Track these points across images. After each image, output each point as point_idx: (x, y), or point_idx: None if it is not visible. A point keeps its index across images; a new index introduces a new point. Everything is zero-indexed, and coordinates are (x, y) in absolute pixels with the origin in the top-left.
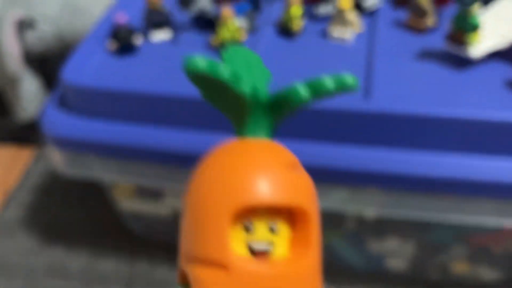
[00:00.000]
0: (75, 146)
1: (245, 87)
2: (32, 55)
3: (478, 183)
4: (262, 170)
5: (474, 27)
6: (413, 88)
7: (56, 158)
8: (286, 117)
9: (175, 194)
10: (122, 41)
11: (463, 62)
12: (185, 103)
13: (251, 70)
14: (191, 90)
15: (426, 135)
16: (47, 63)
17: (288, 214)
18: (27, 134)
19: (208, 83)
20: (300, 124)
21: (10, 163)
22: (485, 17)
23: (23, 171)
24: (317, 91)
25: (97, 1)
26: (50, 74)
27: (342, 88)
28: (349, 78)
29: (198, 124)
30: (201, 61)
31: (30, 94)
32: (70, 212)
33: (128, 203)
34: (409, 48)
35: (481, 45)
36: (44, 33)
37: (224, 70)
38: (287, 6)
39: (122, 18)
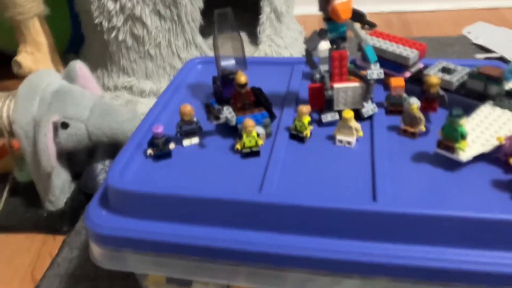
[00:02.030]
0: (114, 242)
1: None
2: (64, 151)
3: (473, 274)
4: None
5: (462, 136)
6: (412, 189)
7: (96, 252)
8: None
9: (202, 283)
10: (158, 149)
11: (453, 163)
12: (210, 204)
13: None
14: (216, 191)
15: (427, 231)
16: (75, 157)
17: None
18: (56, 224)
19: None
20: (318, 223)
21: (40, 251)
22: (471, 125)
23: (51, 258)
24: None
25: (121, 106)
26: (77, 167)
27: None
28: None
29: (222, 221)
30: None
31: (58, 188)
32: None
33: None
34: (405, 152)
35: (469, 150)
36: (77, 132)
37: None
38: (298, 115)
39: (158, 128)
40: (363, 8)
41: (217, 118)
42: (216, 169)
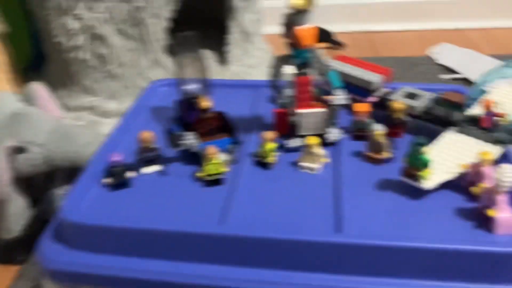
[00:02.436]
0: (69, 279)
1: None
2: (21, 176)
3: None
4: None
5: (425, 164)
6: (376, 219)
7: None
8: None
9: None
10: (116, 178)
11: (418, 191)
12: (169, 237)
13: None
14: (175, 224)
15: (391, 263)
16: (32, 182)
17: None
18: (11, 254)
19: None
20: (280, 255)
21: None
22: (435, 152)
23: None
24: None
25: (81, 129)
26: (35, 192)
27: None
28: None
29: (182, 255)
30: None
31: (14, 215)
32: None
33: None
34: (369, 179)
35: (432, 178)
36: (33, 157)
37: None
38: (262, 141)
39: (116, 156)
40: (331, 28)
41: (177, 145)
42: (176, 198)
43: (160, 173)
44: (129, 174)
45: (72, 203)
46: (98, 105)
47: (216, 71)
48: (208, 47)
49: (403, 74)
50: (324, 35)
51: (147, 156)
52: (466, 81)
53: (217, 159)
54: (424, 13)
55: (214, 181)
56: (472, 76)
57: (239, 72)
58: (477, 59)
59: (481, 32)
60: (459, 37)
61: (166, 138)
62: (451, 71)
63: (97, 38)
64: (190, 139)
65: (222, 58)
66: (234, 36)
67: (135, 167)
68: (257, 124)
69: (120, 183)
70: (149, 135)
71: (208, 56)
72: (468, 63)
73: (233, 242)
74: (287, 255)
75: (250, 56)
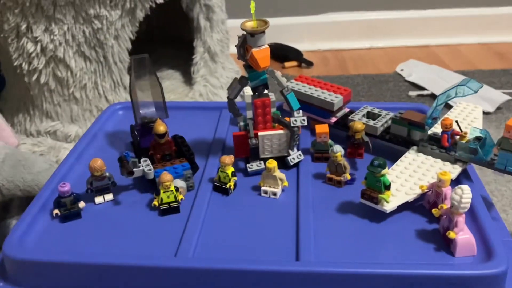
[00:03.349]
0: None
1: None
2: None
3: None
4: None
5: (385, 187)
6: (336, 245)
7: None
8: None
9: None
10: (66, 209)
11: (378, 213)
12: (122, 271)
13: None
14: (127, 257)
15: None
16: None
17: None
18: None
19: None
20: (238, 286)
21: None
22: (395, 173)
23: None
24: None
25: (36, 156)
26: None
27: None
28: None
29: None
30: None
31: None
32: None
33: None
34: (330, 202)
35: (393, 200)
36: None
37: None
38: (221, 166)
39: (65, 187)
40: (300, 47)
41: (131, 173)
42: (130, 229)
43: (113, 202)
44: (80, 204)
45: (16, 237)
46: (59, 129)
47: (182, 92)
48: (174, 67)
49: (372, 92)
50: (294, 54)
51: (99, 185)
52: (433, 97)
53: (173, 186)
54: (391, 31)
55: (170, 210)
56: (439, 92)
57: (205, 92)
58: (443, 75)
59: (447, 49)
60: (426, 53)
61: (119, 166)
62: (419, 87)
63: (57, 61)
64: (146, 165)
65: (189, 79)
66: (199, 56)
67: (87, 196)
68: (218, 148)
69: (70, 214)
70: (100, 163)
71: (174, 76)
72: (435, 79)
73: (188, 274)
74: (242, 285)
75: (217, 76)
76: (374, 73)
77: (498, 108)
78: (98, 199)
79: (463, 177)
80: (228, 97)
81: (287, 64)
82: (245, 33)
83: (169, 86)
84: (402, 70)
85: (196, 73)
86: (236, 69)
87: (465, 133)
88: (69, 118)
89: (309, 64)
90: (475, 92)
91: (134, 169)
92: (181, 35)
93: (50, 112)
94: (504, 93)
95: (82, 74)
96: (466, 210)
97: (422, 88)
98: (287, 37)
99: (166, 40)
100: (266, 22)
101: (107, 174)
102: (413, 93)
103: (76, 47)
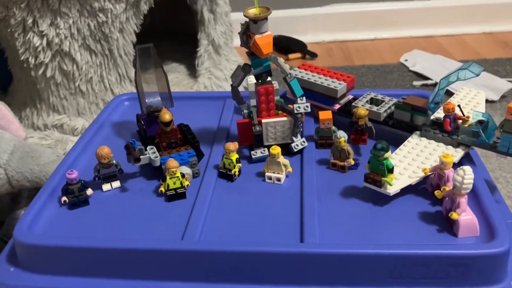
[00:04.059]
0: None
1: None
2: None
3: None
4: None
5: (388, 170)
6: (341, 227)
7: None
8: None
9: None
10: (74, 196)
11: (382, 196)
12: (129, 255)
13: None
14: (135, 242)
15: (355, 271)
16: None
17: None
18: None
19: None
20: (244, 268)
21: None
22: (399, 157)
23: None
24: None
25: (44, 148)
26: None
27: None
28: None
29: (144, 273)
30: None
31: None
32: None
33: None
34: (334, 187)
35: (396, 183)
36: None
37: None
38: (225, 152)
39: (72, 174)
40: (304, 38)
41: (138, 160)
42: (137, 215)
43: (120, 189)
44: (88, 191)
45: (26, 223)
46: (66, 123)
47: (186, 84)
48: (178, 60)
49: (376, 82)
50: (298, 46)
51: (106, 172)
52: None
53: (179, 173)
54: (395, 22)
55: (177, 195)
56: None
57: (210, 84)
58: (448, 64)
59: (451, 38)
60: (430, 43)
61: (126, 153)
62: (423, 77)
63: (63, 54)
64: (153, 153)
65: (193, 71)
66: (203, 49)
67: (95, 183)
68: (223, 136)
69: (78, 201)
70: (107, 150)
71: (179, 69)
72: (439, 68)
73: (195, 257)
74: (248, 267)
75: (221, 68)
76: (379, 63)
77: (503, 97)
78: (106, 186)
79: (466, 161)
80: (231, 85)
81: (291, 56)
82: (247, 20)
83: (173, 79)
84: (406, 60)
85: (200, 66)
86: (240, 61)
87: (468, 117)
88: (75, 112)
89: (314, 55)
90: (477, 75)
91: (141, 156)
92: (185, 28)
93: (57, 106)
94: (508, 81)
95: (88, 67)
96: (468, 191)
97: (427, 78)
98: (291, 29)
99: (170, 33)
100: (268, 9)
101: (114, 161)
102: (417, 82)
103: (81, 40)
